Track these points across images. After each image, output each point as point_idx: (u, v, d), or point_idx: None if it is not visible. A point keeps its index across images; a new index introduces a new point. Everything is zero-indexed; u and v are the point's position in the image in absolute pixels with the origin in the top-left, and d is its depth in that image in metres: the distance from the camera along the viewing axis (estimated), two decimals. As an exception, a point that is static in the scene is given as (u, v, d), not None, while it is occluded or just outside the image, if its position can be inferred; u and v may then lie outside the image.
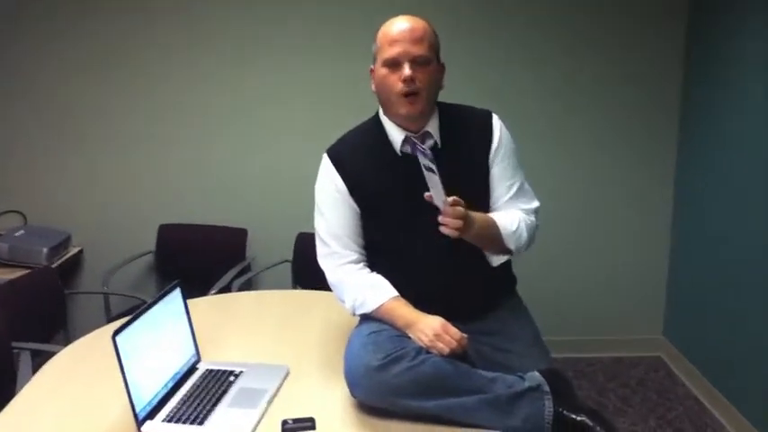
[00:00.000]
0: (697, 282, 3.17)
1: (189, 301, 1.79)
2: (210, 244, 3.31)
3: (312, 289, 2.33)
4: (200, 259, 3.29)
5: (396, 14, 1.63)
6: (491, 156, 1.67)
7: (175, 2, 3.18)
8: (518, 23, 3.23)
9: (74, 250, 3.28)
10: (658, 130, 3.34)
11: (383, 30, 1.61)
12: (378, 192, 1.65)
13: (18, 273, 2.69)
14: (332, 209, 1.70)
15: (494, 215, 1.64)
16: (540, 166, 3.06)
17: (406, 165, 1.61)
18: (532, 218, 1.71)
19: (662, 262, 3.46)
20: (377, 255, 1.72)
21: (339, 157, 1.69)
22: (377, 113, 1.71)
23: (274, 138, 3.31)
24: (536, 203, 1.74)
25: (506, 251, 1.67)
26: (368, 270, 1.71)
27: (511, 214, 1.67)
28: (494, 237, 1.61)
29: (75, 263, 3.35)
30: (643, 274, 3.48)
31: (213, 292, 2.83)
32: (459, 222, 1.45)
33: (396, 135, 1.64)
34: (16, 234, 3.08)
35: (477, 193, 1.64)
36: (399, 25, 1.59)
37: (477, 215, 1.55)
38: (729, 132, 2.88)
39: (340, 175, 1.67)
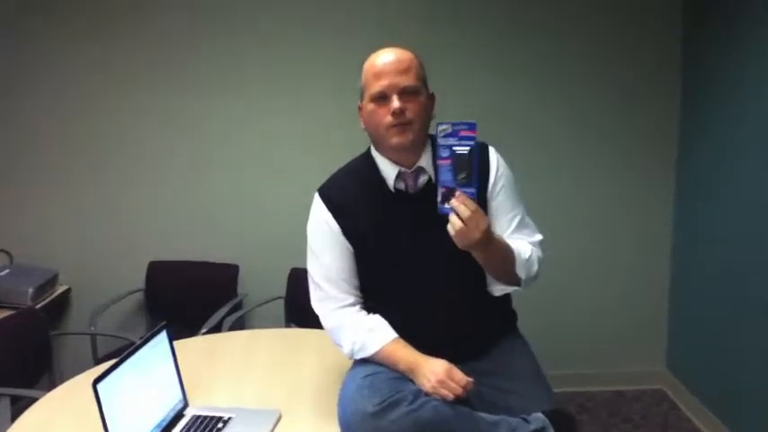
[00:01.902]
0: (699, 311, 3.11)
1: (177, 342, 1.73)
2: (201, 281, 3.23)
3: (306, 326, 2.26)
4: (191, 297, 3.20)
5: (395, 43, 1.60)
6: (489, 190, 1.61)
7: (163, 41, 3.16)
8: (516, 39, 3.21)
9: (61, 289, 3.20)
10: (656, 151, 3.30)
11: (368, 65, 1.57)
12: (371, 230, 1.59)
13: (3, 314, 2.61)
14: (325, 250, 1.63)
15: (506, 240, 1.57)
16: (533, 193, 3.01)
17: (400, 202, 1.58)
18: (539, 251, 1.65)
19: (663, 291, 3.40)
20: (374, 295, 1.65)
21: (330, 195, 1.63)
22: (368, 150, 1.66)
23: (266, 172, 3.26)
24: (539, 236, 1.69)
25: (514, 281, 1.58)
26: (365, 313, 1.65)
27: (523, 243, 1.60)
28: (506, 259, 1.53)
29: (63, 302, 3.27)
30: (643, 303, 3.41)
31: (204, 331, 2.75)
32: (468, 211, 1.38)
33: (388, 171, 1.59)
34: (0, 273, 3.00)
35: None
36: (384, 58, 1.54)
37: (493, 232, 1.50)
38: (730, 153, 2.83)
39: (332, 214, 1.61)
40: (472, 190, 1.39)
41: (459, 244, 1.41)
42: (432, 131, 1.59)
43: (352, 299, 1.64)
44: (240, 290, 3.22)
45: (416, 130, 1.53)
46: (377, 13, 3.15)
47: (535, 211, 1.75)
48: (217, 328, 2.85)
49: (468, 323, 1.61)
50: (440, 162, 1.43)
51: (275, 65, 3.19)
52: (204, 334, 2.69)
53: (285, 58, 3.18)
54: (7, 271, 3.04)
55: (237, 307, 3.14)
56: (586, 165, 3.31)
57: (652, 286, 3.40)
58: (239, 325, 3.05)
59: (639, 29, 3.21)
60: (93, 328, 2.93)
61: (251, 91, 3.21)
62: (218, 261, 3.24)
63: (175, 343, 1.74)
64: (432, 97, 1.61)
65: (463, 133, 1.38)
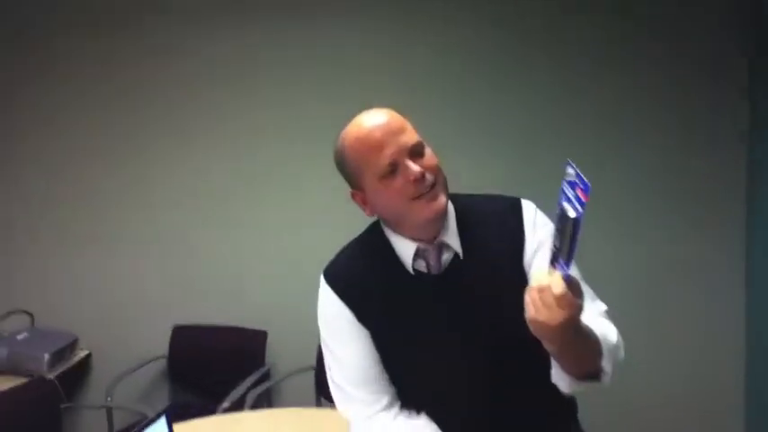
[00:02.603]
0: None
1: (189, 424, 1.50)
2: (227, 348, 3.02)
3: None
4: (216, 365, 3.00)
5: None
6: (527, 258, 1.29)
7: (179, 105, 3.08)
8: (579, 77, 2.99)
9: (81, 354, 3.03)
10: (722, 210, 2.98)
11: (354, 141, 1.24)
12: (392, 321, 1.30)
13: (16, 382, 2.44)
14: (345, 345, 1.33)
15: (584, 320, 1.11)
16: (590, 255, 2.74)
17: (422, 284, 1.29)
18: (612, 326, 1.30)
19: (738, 364, 3.01)
20: (406, 392, 1.37)
21: (339, 280, 1.35)
22: (377, 223, 1.36)
23: (296, 233, 3.07)
24: (603, 305, 1.34)
25: (592, 373, 1.17)
26: (405, 413, 1.35)
27: (605, 324, 1.25)
28: (588, 349, 1.13)
29: (83, 368, 3.09)
30: (716, 379, 3.02)
31: (225, 405, 2.53)
32: (558, 289, 0.97)
33: (404, 249, 1.29)
34: (19, 337, 2.85)
35: (518, 312, 1.07)
36: (373, 122, 1.23)
37: None
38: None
39: (344, 301, 1.32)
40: (566, 272, 0.99)
41: (535, 332, 1.02)
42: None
43: (386, 398, 1.34)
44: (268, 358, 2.99)
45: (443, 189, 1.25)
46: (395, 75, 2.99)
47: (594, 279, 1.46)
48: (240, 402, 2.63)
49: (520, 418, 1.33)
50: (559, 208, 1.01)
51: (304, 116, 3.04)
52: (225, 410, 2.47)
53: (312, 109, 3.03)
54: (26, 335, 2.89)
55: (265, 377, 2.90)
56: (648, 226, 3.01)
57: (726, 358, 3.01)
58: (265, 398, 2.82)
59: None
60: (109, 399, 2.74)
61: (279, 149, 3.07)
62: (245, 326, 3.02)
63: (185, 425, 1.52)
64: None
65: (578, 191, 0.98)
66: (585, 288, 1.28)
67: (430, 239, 1.28)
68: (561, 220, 0.99)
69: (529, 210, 1.34)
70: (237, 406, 2.58)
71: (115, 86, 3.07)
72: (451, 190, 1.30)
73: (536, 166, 2.86)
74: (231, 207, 3.10)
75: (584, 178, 0.95)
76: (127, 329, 3.11)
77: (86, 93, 3.09)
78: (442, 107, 2.97)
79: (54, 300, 3.11)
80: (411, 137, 1.23)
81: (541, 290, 0.99)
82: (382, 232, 1.34)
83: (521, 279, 1.25)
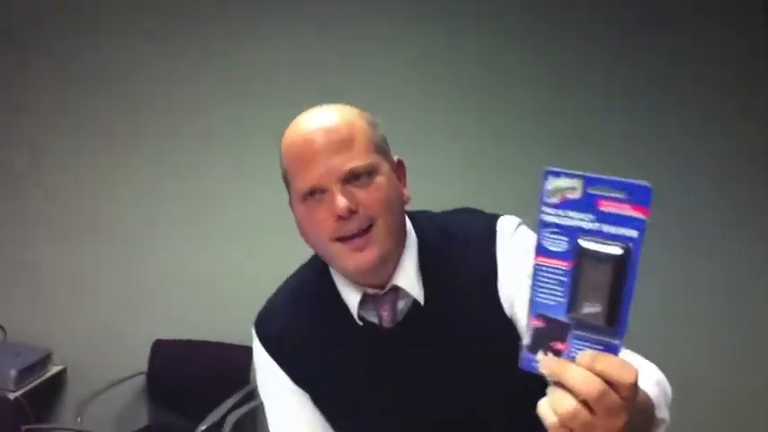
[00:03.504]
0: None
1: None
2: (211, 364, 2.83)
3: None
4: (198, 382, 2.80)
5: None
6: (501, 294, 0.97)
7: (173, 119, 2.89)
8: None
9: (55, 369, 2.85)
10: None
11: (287, 141, 0.97)
12: (337, 385, 1.03)
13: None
14: (284, 411, 1.07)
15: None
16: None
17: (373, 339, 1.00)
18: None
19: None
20: None
21: (271, 337, 1.07)
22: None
23: (285, 244, 2.86)
24: None
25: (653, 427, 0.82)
26: None
27: (645, 362, 0.91)
28: (644, 410, 0.77)
29: (56, 384, 2.90)
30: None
31: (203, 427, 2.33)
32: (597, 389, 0.60)
33: (348, 296, 1.00)
34: (-13, 352, 2.67)
35: (497, 373, 0.88)
36: (312, 127, 0.94)
37: None
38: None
39: (279, 363, 1.05)
40: (615, 342, 0.63)
41: None
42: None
43: None
44: (253, 376, 2.79)
45: (382, 236, 0.93)
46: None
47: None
48: (221, 423, 2.43)
49: None
50: (538, 261, 0.66)
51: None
52: (202, 433, 2.28)
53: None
54: (-5, 349, 2.71)
55: (249, 397, 2.70)
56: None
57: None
58: (249, 420, 2.61)
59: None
60: (79, 420, 2.53)
61: (267, 158, 2.88)
62: (230, 341, 2.83)
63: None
64: (399, 168, 1.01)
65: (612, 207, 0.61)
66: None
67: (379, 285, 0.98)
68: (593, 270, 0.62)
69: (505, 228, 1.01)
70: (218, 429, 2.39)
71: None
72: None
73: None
74: (217, 216, 2.91)
75: (628, 180, 0.60)
76: (105, 343, 2.91)
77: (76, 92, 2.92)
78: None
79: (27, 312, 2.92)
80: (356, 155, 0.92)
81: (603, 394, 0.59)
82: (325, 269, 1.04)
83: (498, 329, 0.96)
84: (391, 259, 0.96)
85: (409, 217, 1.03)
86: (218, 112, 2.88)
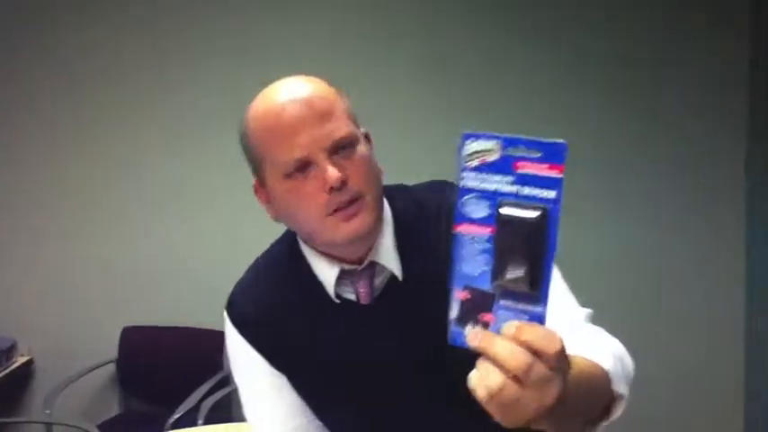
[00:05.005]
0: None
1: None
2: (183, 350, 2.78)
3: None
4: (171, 369, 2.77)
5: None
6: None
7: (151, 104, 2.81)
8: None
9: (20, 360, 2.76)
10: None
11: (259, 119, 0.92)
12: (315, 365, 1.01)
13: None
14: (263, 399, 1.05)
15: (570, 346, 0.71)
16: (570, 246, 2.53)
17: (348, 313, 0.99)
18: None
19: (738, 363, 2.82)
20: None
21: (245, 319, 1.04)
22: (293, 235, 1.04)
23: (258, 224, 2.79)
24: (585, 310, 0.99)
25: (608, 406, 0.80)
26: None
27: (592, 335, 0.90)
28: (597, 384, 0.77)
29: (22, 375, 2.82)
30: (716, 380, 2.83)
31: (176, 416, 2.30)
32: (524, 361, 0.59)
33: (324, 272, 0.98)
34: (-54, 344, 2.58)
35: None
36: (288, 97, 0.90)
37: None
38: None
39: (254, 346, 1.03)
40: (539, 309, 0.62)
41: (503, 420, 0.61)
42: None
43: None
44: (226, 361, 2.74)
45: (372, 203, 0.91)
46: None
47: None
48: (195, 410, 2.39)
49: None
50: (460, 230, 0.66)
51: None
52: (176, 422, 2.23)
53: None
54: (-45, 341, 2.61)
55: (223, 383, 2.65)
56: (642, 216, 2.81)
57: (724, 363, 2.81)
58: (224, 406, 2.56)
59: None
60: (48, 412, 2.46)
61: (234, 139, 2.81)
62: (202, 326, 2.76)
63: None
64: (368, 140, 0.98)
65: (528, 168, 0.62)
66: (562, 289, 0.99)
67: (357, 260, 0.96)
68: (511, 234, 0.61)
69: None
70: (192, 416, 2.34)
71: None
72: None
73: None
74: (188, 196, 2.84)
75: (542, 139, 0.60)
76: (73, 331, 2.84)
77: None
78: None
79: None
80: (339, 126, 0.89)
81: (530, 367, 0.58)
82: (297, 245, 1.02)
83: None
84: (375, 231, 0.95)
85: (384, 191, 1.00)
86: (182, 99, 2.80)
